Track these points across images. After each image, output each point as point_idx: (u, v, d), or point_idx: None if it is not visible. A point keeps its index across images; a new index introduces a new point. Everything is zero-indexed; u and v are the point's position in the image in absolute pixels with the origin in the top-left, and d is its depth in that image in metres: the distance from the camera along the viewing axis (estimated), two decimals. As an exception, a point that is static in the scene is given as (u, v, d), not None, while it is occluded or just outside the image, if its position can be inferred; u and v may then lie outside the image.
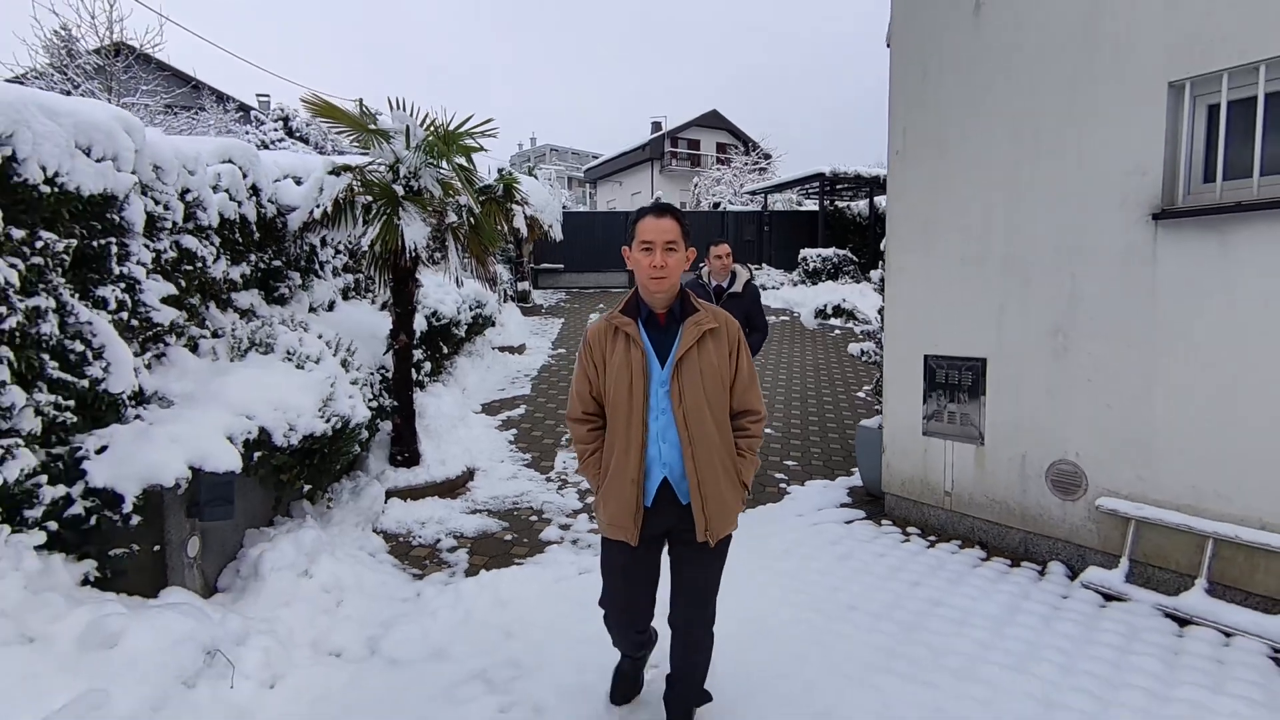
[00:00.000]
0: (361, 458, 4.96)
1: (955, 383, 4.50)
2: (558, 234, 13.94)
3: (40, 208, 2.59)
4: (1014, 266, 4.12)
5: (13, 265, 2.47)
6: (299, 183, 4.98)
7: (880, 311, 5.40)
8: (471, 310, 8.07)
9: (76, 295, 2.86)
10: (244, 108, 24.12)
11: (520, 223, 9.33)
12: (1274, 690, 2.72)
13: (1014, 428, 4.19)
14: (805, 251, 15.71)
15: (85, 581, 2.74)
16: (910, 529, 4.68)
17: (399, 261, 4.95)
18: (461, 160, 5.14)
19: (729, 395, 2.23)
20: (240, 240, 4.38)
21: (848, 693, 2.71)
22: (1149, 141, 3.53)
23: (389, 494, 4.81)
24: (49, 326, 2.66)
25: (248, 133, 19.36)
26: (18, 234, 2.50)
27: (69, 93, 16.92)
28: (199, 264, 3.84)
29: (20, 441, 2.54)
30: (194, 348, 3.88)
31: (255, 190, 4.53)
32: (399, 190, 4.78)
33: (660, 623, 2.48)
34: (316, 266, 5.52)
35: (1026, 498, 4.15)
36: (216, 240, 4.06)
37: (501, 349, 9.76)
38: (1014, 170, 4.09)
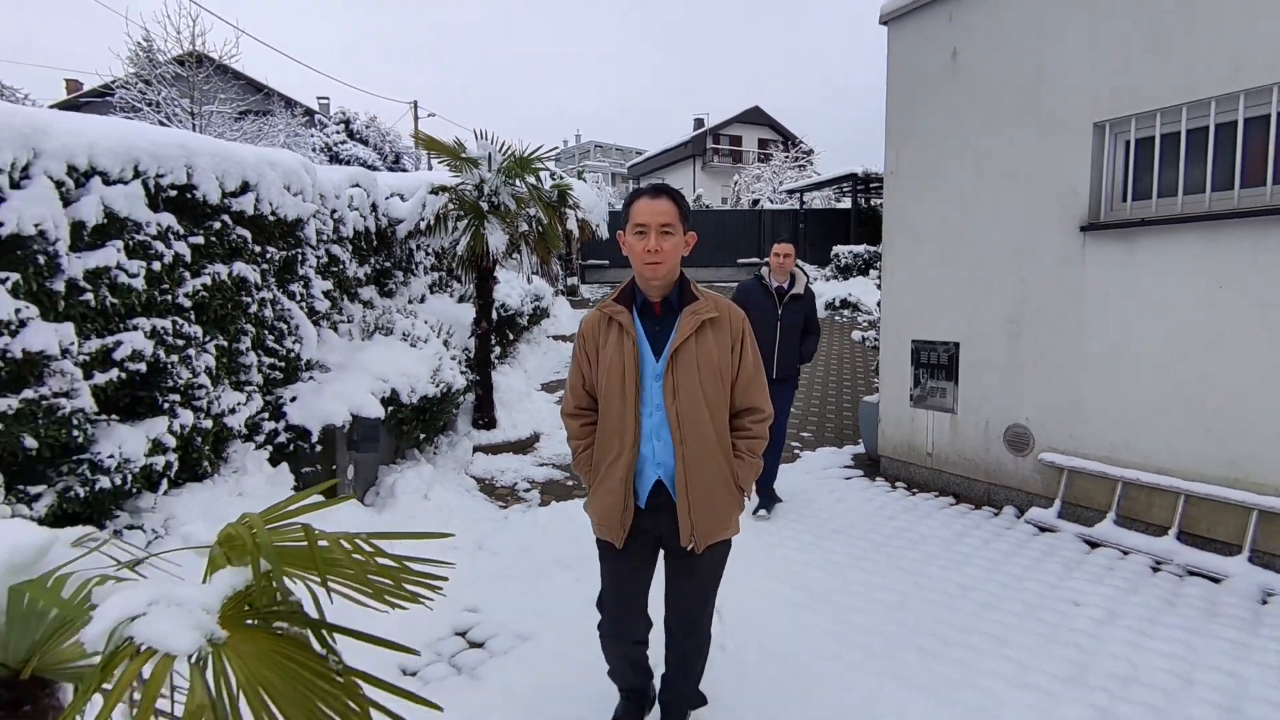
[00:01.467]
0: (452, 419, 6.18)
1: (935, 363, 5.48)
2: (604, 232, 15.06)
3: (267, 230, 3.82)
4: (980, 268, 5.08)
5: (253, 269, 3.70)
6: (403, 199, 6.21)
7: (878, 304, 6.38)
8: (531, 303, 9.28)
9: (280, 290, 4.10)
10: (309, 112, 25.94)
11: (573, 224, 10.46)
12: (1140, 584, 3.68)
13: (979, 399, 5.16)
14: (838, 248, 16.53)
15: (294, 488, 3.98)
16: (899, 484, 5.68)
17: (482, 263, 6.14)
18: (532, 180, 6.30)
19: (730, 391, 2.09)
20: (364, 247, 5.62)
21: (821, 578, 3.77)
22: (1080, 168, 4.47)
23: (475, 449, 6.02)
24: (268, 311, 3.90)
25: (313, 135, 20.97)
26: (255, 249, 3.73)
27: (146, 97, 18.74)
28: (341, 266, 5.08)
29: (255, 389, 3.78)
30: (334, 329, 5.13)
31: (374, 207, 5.76)
32: (484, 206, 5.97)
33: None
34: (413, 266, 6.76)
35: (989, 455, 5.12)
36: (350, 248, 5.29)
37: (555, 337, 10.96)
38: (979, 189, 5.05)
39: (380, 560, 1.21)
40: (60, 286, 2.38)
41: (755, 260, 18.15)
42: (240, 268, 3.49)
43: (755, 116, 40.36)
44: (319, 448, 4.07)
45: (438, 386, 5.11)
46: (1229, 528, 3.85)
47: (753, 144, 40.06)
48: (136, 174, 2.76)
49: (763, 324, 4.67)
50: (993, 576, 3.81)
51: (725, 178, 36.67)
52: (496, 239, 5.93)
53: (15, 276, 2.22)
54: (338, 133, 22.02)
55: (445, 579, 1.23)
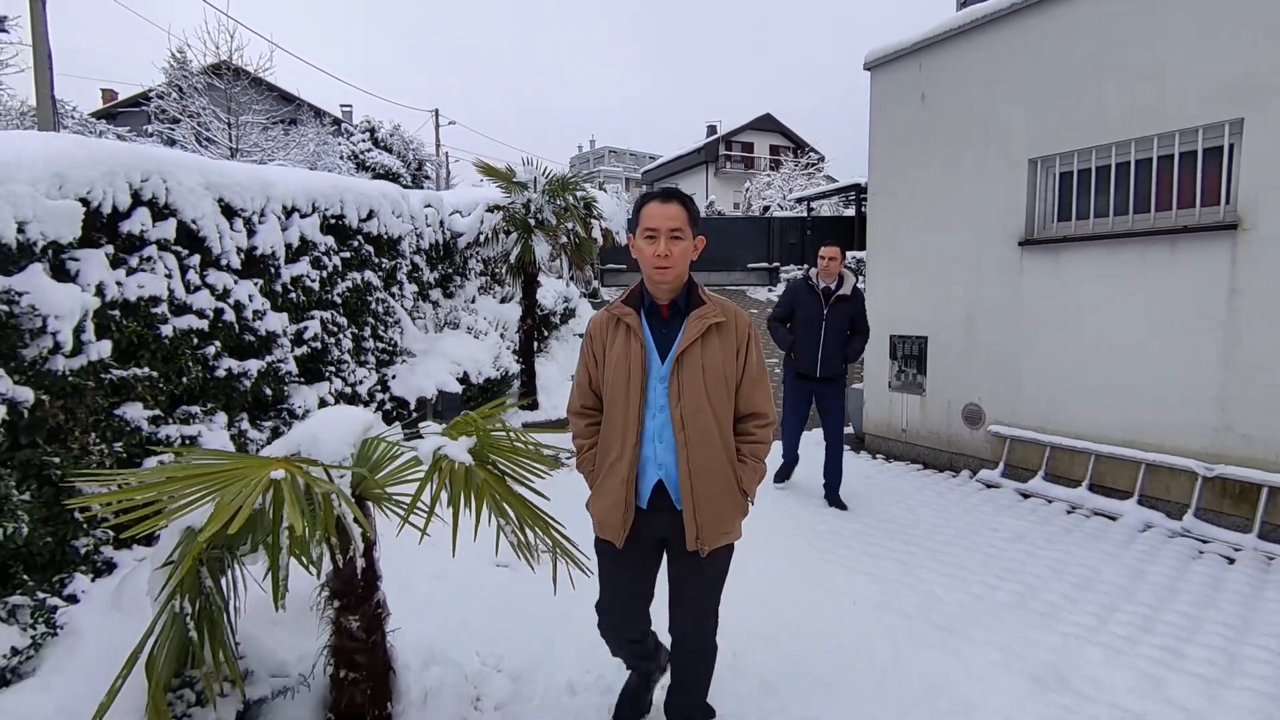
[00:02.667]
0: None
1: (909, 353, 6.57)
2: (622, 239, 16.26)
3: (381, 246, 4.99)
4: (943, 274, 6.17)
5: (375, 275, 4.87)
6: (462, 215, 7.38)
7: (865, 305, 7.48)
8: (562, 304, 10.44)
9: (386, 292, 5.27)
10: (336, 121, 27.33)
11: (597, 233, 11.65)
12: (1051, 520, 4.76)
13: (943, 383, 6.25)
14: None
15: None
16: (879, 455, 6.77)
17: (528, 270, 7.29)
18: (570, 199, 7.45)
19: (734, 395, 2.12)
20: (434, 256, 6.79)
21: (807, 516, 4.88)
22: (1019, 195, 5.56)
23: (522, 425, 7.18)
24: (380, 308, 5.07)
25: (340, 144, 22.25)
26: (375, 260, 4.90)
27: (185, 107, 20.09)
28: (420, 272, 6.25)
29: (371, 367, 4.95)
30: (414, 324, 6.30)
31: (441, 223, 6.94)
32: (531, 222, 7.13)
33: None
34: (466, 272, 7.94)
35: (951, 429, 6.20)
36: (425, 257, 6.47)
37: (579, 335, 12.14)
38: (942, 209, 6.14)
39: (530, 443, 2.38)
40: (279, 288, 3.52)
41: (764, 265, 19.19)
42: (367, 275, 4.65)
43: (767, 124, 41.26)
44: (414, 415, 5.23)
45: (498, 370, 6.27)
46: (1125, 479, 4.93)
47: (764, 150, 40.93)
48: (314, 209, 3.91)
49: (808, 324, 4.98)
50: (939, 515, 4.91)
51: (737, 183, 37.62)
52: (542, 249, 7.08)
53: (260, 281, 3.36)
54: (363, 141, 23.24)
55: (565, 463, 2.36)
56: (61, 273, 2.25)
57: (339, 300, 4.26)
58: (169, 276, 2.72)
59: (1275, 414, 4.20)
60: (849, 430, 7.58)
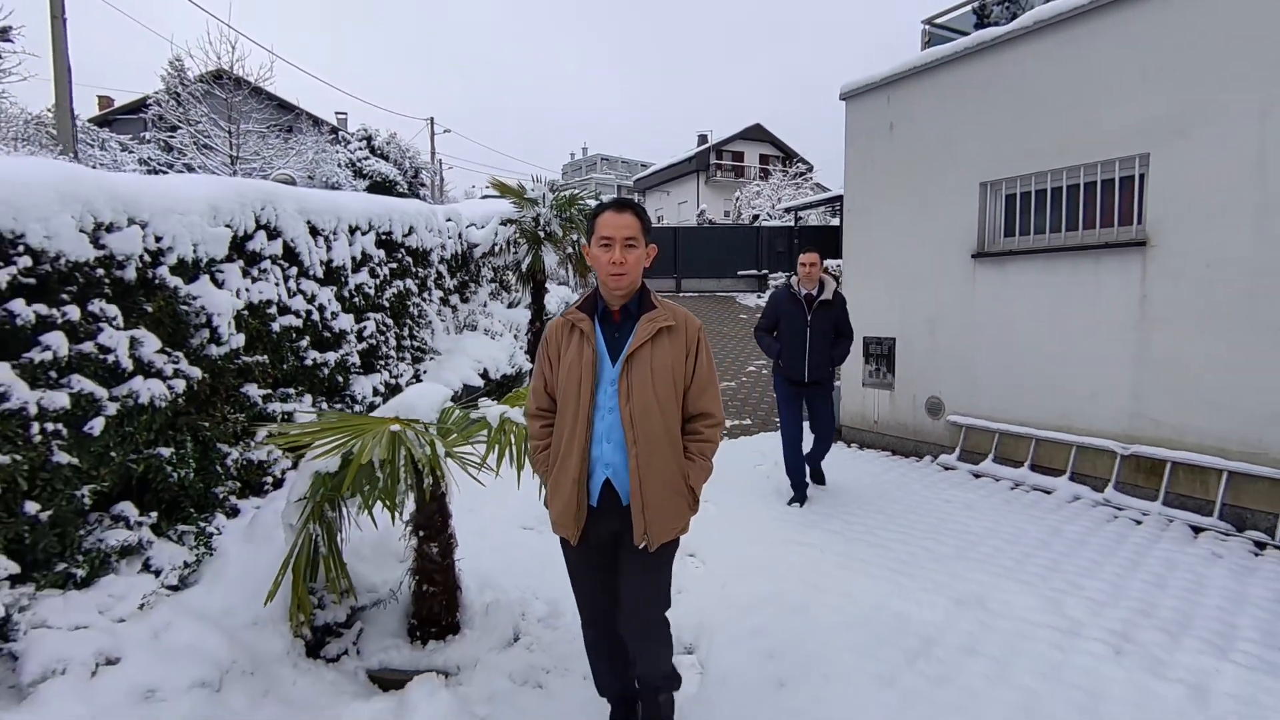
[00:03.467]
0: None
1: (880, 353, 7.36)
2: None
3: (418, 256, 5.72)
4: (908, 283, 6.97)
5: (413, 282, 5.60)
6: (478, 227, 8.12)
7: (842, 310, 8.26)
8: (563, 309, 11.21)
9: (419, 297, 6.01)
10: (334, 129, 28.02)
11: (585, 240, 12.44)
12: (995, 494, 5.54)
13: (909, 379, 7.03)
14: (827, 262, 18.42)
15: (429, 429, 5.86)
16: (853, 444, 7.54)
17: (538, 277, 8.04)
18: (574, 212, 8.21)
19: (684, 397, 2.18)
20: (454, 264, 7.53)
21: (787, 493, 5.64)
22: (971, 213, 6.36)
23: (532, 418, 7.91)
24: (416, 311, 5.80)
25: (338, 151, 22.90)
26: (413, 269, 5.64)
27: (185, 114, 20.73)
28: (444, 279, 6.99)
29: (408, 363, 5.68)
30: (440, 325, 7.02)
31: (460, 235, 7.67)
32: (541, 234, 7.88)
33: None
34: (479, 279, 8.68)
35: (916, 420, 6.98)
36: (447, 266, 7.20)
37: (580, 338, 12.88)
38: (908, 225, 6.94)
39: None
40: (347, 294, 4.24)
41: (754, 273, 20.01)
42: (407, 282, 5.38)
43: (757, 133, 42.08)
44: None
45: (512, 367, 7.00)
46: (1060, 459, 5.72)
47: (754, 160, 41.72)
48: (370, 227, 4.63)
49: (793, 331, 5.13)
50: (900, 490, 5.68)
51: (728, 192, 38.44)
52: (550, 259, 7.83)
53: (335, 288, 4.08)
54: (360, 149, 23.89)
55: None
56: (215, 282, 2.96)
57: (387, 304, 4.99)
58: (277, 285, 3.43)
59: (1177, 401, 5.00)
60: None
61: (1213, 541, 4.46)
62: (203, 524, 2.93)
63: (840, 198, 19.58)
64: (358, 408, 4.44)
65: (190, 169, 22.57)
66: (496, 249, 7.84)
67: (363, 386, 4.56)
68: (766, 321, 5.36)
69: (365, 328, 4.57)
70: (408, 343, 5.56)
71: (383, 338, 4.89)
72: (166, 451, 2.74)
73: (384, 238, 4.93)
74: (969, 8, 7.10)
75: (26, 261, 2.10)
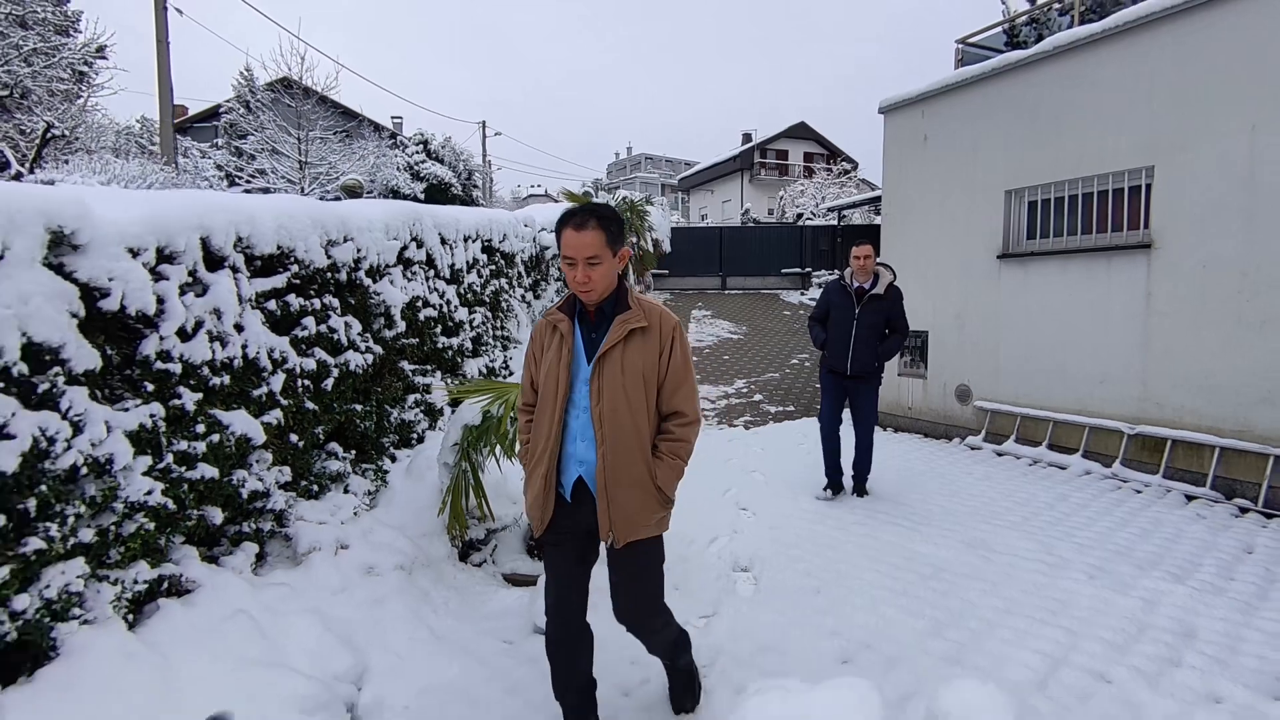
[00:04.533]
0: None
1: (914, 345, 8.07)
2: (666, 246, 17.89)
3: (509, 259, 6.69)
4: (939, 281, 7.67)
5: (505, 282, 6.57)
6: (548, 232, 9.09)
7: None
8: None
9: (507, 293, 6.98)
10: (393, 135, 29.55)
11: (648, 243, 13.32)
12: (1015, 470, 6.25)
13: (940, 368, 7.74)
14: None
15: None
16: (889, 429, 8.27)
17: (602, 276, 8.97)
18: (633, 218, 9.12)
19: (655, 395, 2.20)
20: (529, 265, 8.52)
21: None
22: (997, 217, 7.04)
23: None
24: (505, 304, 6.76)
25: (397, 155, 24.23)
26: (506, 270, 6.61)
27: (258, 121, 22.26)
28: (522, 278, 7.97)
29: (499, 350, 6.66)
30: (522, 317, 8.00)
31: (534, 238, 8.66)
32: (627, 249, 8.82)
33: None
34: (548, 277, 9.66)
35: (946, 406, 7.69)
36: (524, 266, 8.19)
37: (633, 333, 13.79)
38: (938, 228, 7.64)
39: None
40: (463, 291, 5.22)
41: (798, 270, 20.63)
42: (501, 281, 6.36)
43: (801, 131, 42.26)
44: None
45: (583, 356, 7.96)
46: (1074, 439, 6.38)
47: (799, 158, 41.91)
48: (477, 236, 5.61)
49: (840, 322, 5.16)
50: (928, 466, 6.43)
51: (772, 190, 38.77)
52: (613, 260, 8.77)
53: (456, 286, 5.06)
54: (418, 153, 25.19)
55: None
56: (390, 282, 3.93)
57: (487, 300, 5.97)
58: (422, 284, 4.41)
59: (1177, 386, 5.64)
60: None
61: (1201, 506, 5.12)
62: (379, 463, 3.92)
63: (880, 198, 20.09)
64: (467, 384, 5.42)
65: (261, 173, 24.32)
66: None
67: (471, 367, 5.53)
68: (818, 311, 5.43)
69: (475, 318, 5.55)
70: (500, 332, 6.53)
71: (485, 327, 5.86)
72: (359, 408, 3.73)
73: (486, 244, 5.90)
74: (1000, 29, 7.74)
75: (295, 269, 3.08)
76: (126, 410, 2.21)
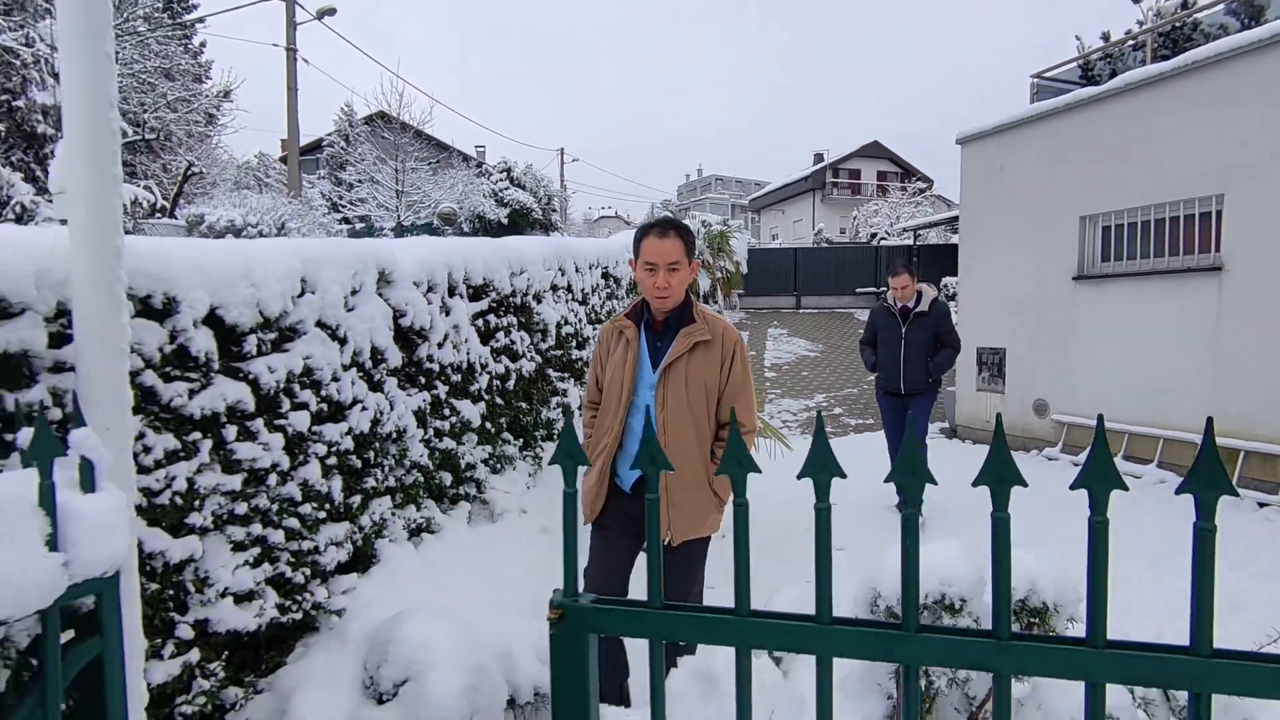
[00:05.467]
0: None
1: (992, 362, 8.53)
2: (744, 268, 18.61)
3: (617, 282, 7.60)
4: (1015, 301, 8.14)
5: (616, 303, 7.48)
6: (644, 257, 10.02)
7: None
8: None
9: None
10: (479, 163, 31.40)
11: (732, 266, 14.11)
12: (1089, 476, 6.66)
13: (1017, 383, 8.18)
14: (946, 279, 19.15)
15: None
16: (968, 441, 8.72)
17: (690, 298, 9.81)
18: (723, 244, 9.94)
19: (716, 404, 2.33)
20: (631, 286, 9.43)
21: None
22: (1072, 242, 7.49)
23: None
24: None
25: (484, 183, 25.78)
26: (616, 293, 7.51)
27: (357, 153, 24.10)
28: (624, 300, 8.87)
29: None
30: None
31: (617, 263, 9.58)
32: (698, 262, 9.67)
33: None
34: (642, 298, 10.56)
35: (1024, 419, 8.11)
36: (627, 289, 9.10)
37: (714, 350, 14.56)
38: (1015, 251, 8.13)
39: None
40: (590, 310, 6.15)
41: (873, 290, 20.97)
42: (613, 302, 7.26)
43: (874, 150, 42.19)
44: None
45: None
46: (1149, 450, 6.75)
47: (871, 176, 41.77)
48: (598, 263, 6.53)
49: (888, 343, 5.38)
50: (1005, 472, 6.91)
51: (844, 210, 38.81)
52: (705, 283, 9.59)
53: (585, 308, 5.99)
54: (501, 180, 26.71)
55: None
56: (547, 304, 4.86)
57: (602, 318, 6.88)
58: (565, 305, 5.33)
59: (1247, 399, 5.99)
60: (945, 425, 9.55)
61: (1272, 512, 5.48)
62: (535, 450, 4.82)
63: (956, 217, 20.26)
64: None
65: (361, 201, 26.40)
66: (662, 274, 9.72)
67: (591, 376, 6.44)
68: (867, 335, 5.67)
69: (596, 334, 6.46)
70: (610, 347, 7.44)
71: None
72: (524, 405, 4.65)
73: (604, 270, 6.81)
74: (1075, 64, 8.21)
75: (494, 295, 4.02)
76: (410, 395, 3.14)
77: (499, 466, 4.25)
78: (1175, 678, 0.85)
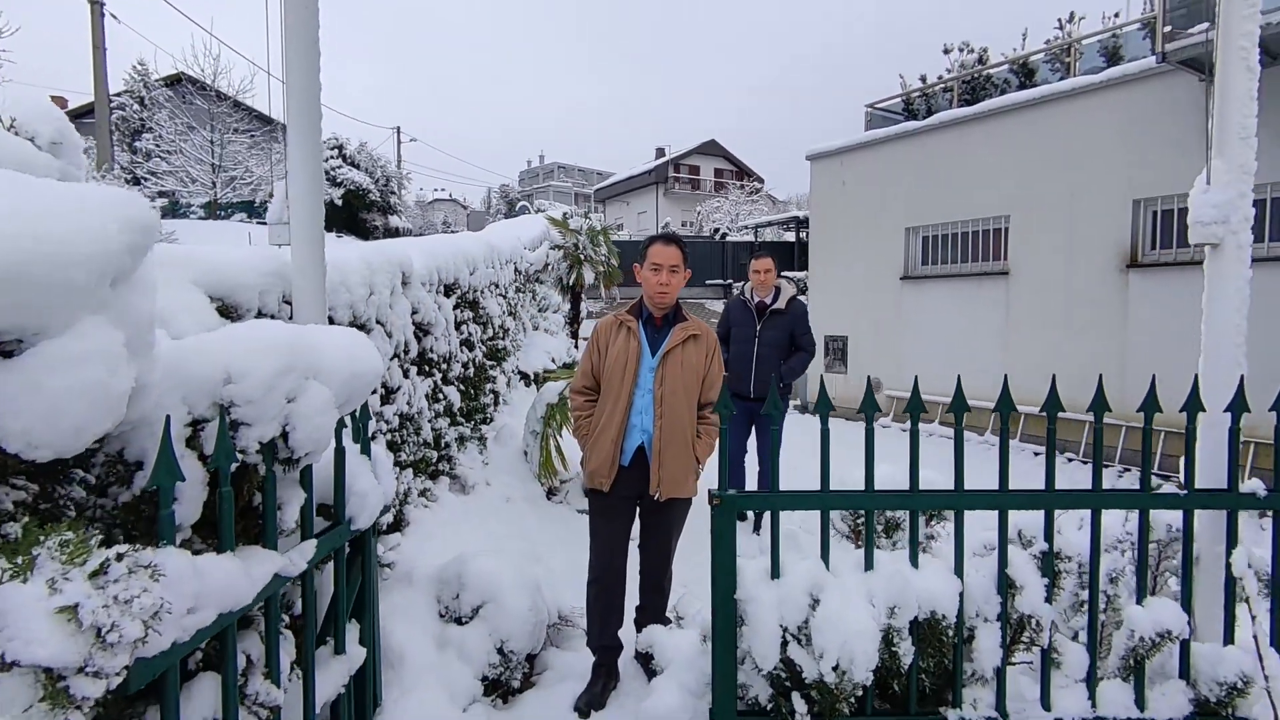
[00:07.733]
0: (560, 381, 10.50)
1: (837, 347, 10.03)
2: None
3: (528, 276, 8.09)
4: (853, 298, 9.67)
5: (521, 294, 7.96)
6: (531, 251, 10.49)
7: (807, 315, 10.98)
8: (586, 313, 13.63)
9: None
10: (312, 139, 29.49)
11: (615, 260, 14.89)
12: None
13: (857, 364, 9.72)
14: (785, 273, 21.28)
15: (526, 398, 8.25)
16: (814, 415, 10.20)
17: (577, 289, 10.46)
18: (602, 239, 10.67)
19: (700, 388, 2.80)
20: (523, 279, 9.91)
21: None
22: (899, 248, 9.10)
23: (575, 397, 10.35)
24: (525, 315, 8.16)
25: None
26: (525, 286, 8.00)
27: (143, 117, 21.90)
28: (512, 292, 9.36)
29: (514, 354, 8.05)
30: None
31: (522, 257, 10.05)
32: (580, 256, 10.32)
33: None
34: (532, 291, 11.04)
35: (861, 395, 9.68)
36: (524, 280, 9.58)
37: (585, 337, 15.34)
38: (853, 257, 9.65)
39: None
40: (508, 301, 6.64)
41: (720, 282, 22.72)
42: (524, 295, 7.76)
43: (712, 149, 44.36)
44: (532, 385, 8.35)
45: (569, 356, 9.43)
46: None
47: (710, 174, 43.86)
48: (510, 260, 7.02)
49: (742, 341, 4.86)
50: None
51: (686, 203, 40.63)
52: (588, 274, 10.28)
53: (504, 300, 6.48)
54: (333, 158, 25.29)
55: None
56: (492, 298, 5.36)
57: (515, 310, 7.38)
58: (495, 299, 5.85)
59: (1029, 380, 7.79)
60: (797, 402, 11.02)
61: (1041, 459, 7.24)
62: (480, 432, 5.32)
63: (795, 218, 22.52)
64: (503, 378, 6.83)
65: (166, 174, 23.69)
66: (547, 268, 10.26)
67: (508, 365, 6.94)
68: (719, 330, 5.09)
69: (510, 326, 6.96)
70: (520, 338, 7.95)
71: (515, 334, 7.27)
72: (473, 391, 5.13)
73: (515, 265, 7.31)
74: (899, 99, 9.90)
75: (460, 291, 4.47)
76: (422, 381, 3.60)
77: (464, 445, 4.73)
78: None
